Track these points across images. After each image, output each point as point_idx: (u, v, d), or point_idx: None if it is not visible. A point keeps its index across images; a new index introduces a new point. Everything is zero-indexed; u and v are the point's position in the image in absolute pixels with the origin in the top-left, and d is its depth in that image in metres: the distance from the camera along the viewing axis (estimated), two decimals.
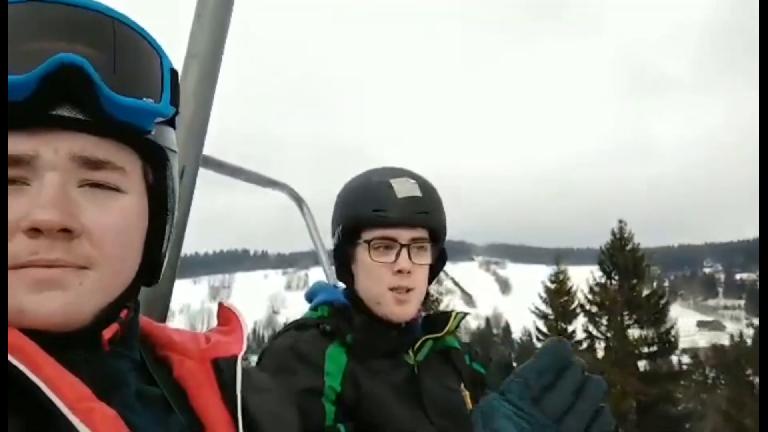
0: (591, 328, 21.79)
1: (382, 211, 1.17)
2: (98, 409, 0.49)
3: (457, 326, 1.29)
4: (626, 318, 20.77)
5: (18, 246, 0.50)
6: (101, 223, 0.53)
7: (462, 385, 1.29)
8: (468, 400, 1.27)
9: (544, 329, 24.61)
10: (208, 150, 1.17)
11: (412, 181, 1.22)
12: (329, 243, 1.34)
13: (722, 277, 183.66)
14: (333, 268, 1.32)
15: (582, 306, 22.65)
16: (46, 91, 0.50)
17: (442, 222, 1.25)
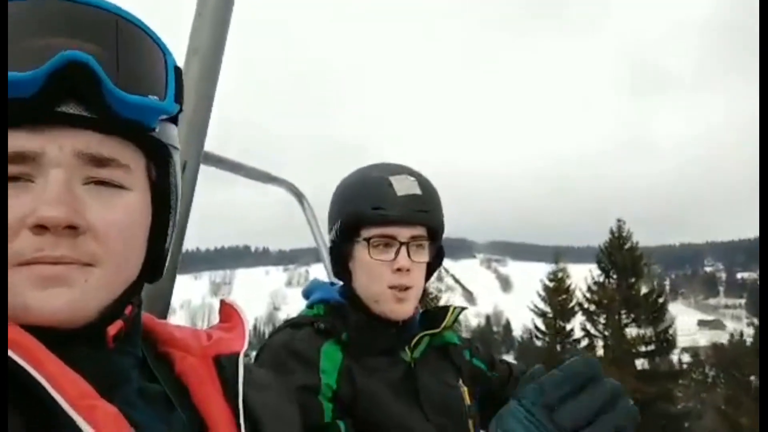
0: (589, 326, 21.80)
1: (381, 209, 1.16)
2: (100, 406, 0.49)
3: (455, 321, 1.28)
4: (624, 317, 20.78)
5: (23, 243, 0.50)
6: (106, 220, 0.54)
7: (460, 381, 1.29)
8: (466, 396, 1.26)
9: (543, 327, 24.65)
10: (208, 146, 1.17)
11: (412, 178, 1.21)
12: (329, 239, 1.33)
13: (723, 276, 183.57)
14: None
15: (580, 304, 22.66)
16: (52, 88, 0.50)
17: (440, 220, 1.24)
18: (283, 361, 1.09)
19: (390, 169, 1.23)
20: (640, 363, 20.89)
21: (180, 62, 0.61)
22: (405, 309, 1.20)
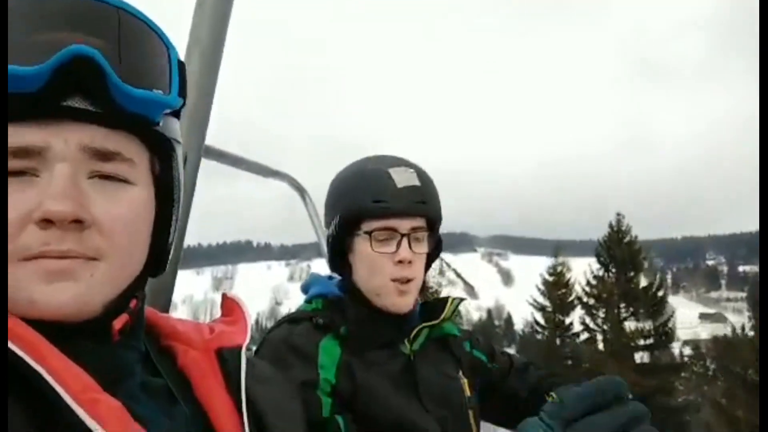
0: (588, 320, 21.83)
1: (382, 201, 1.15)
2: (103, 399, 0.50)
3: (454, 312, 1.28)
4: (623, 310, 20.81)
5: (29, 237, 0.50)
6: (111, 214, 0.54)
7: (460, 373, 1.29)
8: (466, 388, 1.27)
9: (542, 321, 24.72)
10: (209, 141, 1.17)
11: (410, 170, 1.21)
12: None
13: (725, 269, 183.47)
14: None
15: (579, 298, 22.69)
16: (58, 82, 0.50)
17: (439, 210, 1.24)
18: (282, 356, 1.09)
19: (387, 161, 1.22)
20: (639, 356, 20.93)
21: (181, 56, 0.62)
22: (407, 302, 1.20)
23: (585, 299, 22.04)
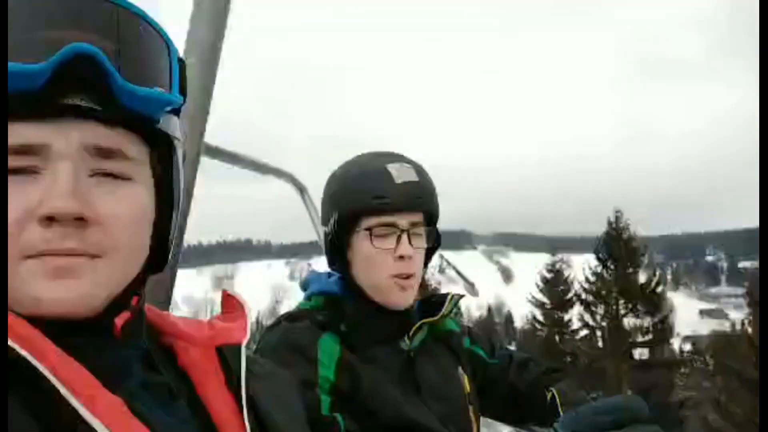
0: (587, 317, 21.85)
1: (382, 197, 1.15)
2: (103, 396, 0.50)
3: (453, 309, 1.28)
4: (622, 307, 20.82)
5: (31, 235, 0.50)
6: (113, 212, 0.54)
7: (460, 369, 1.29)
8: (466, 383, 1.27)
9: (541, 318, 24.75)
10: (207, 139, 1.17)
11: (408, 165, 1.21)
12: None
13: (725, 265, 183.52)
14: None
15: (578, 295, 22.71)
16: (59, 80, 0.50)
17: (437, 205, 1.24)
18: (281, 354, 1.08)
19: (385, 157, 1.22)
20: (638, 353, 20.95)
21: (180, 53, 0.62)
22: (408, 297, 1.20)
23: (583, 296, 22.07)
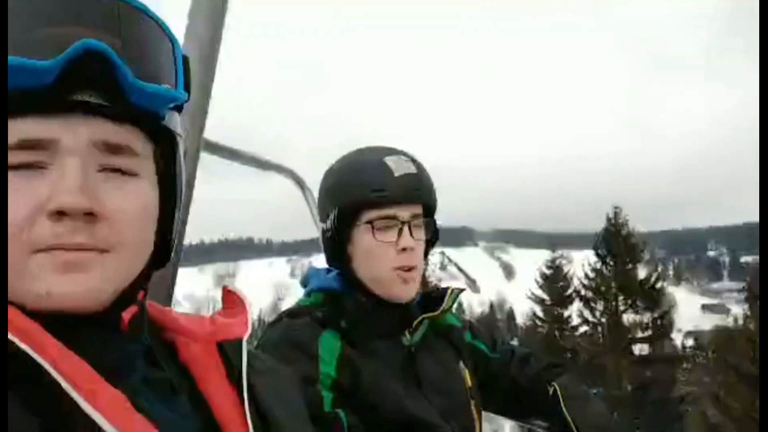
0: (586, 313, 21.85)
1: (382, 190, 1.16)
2: (105, 391, 0.50)
3: (454, 303, 1.28)
4: (621, 303, 20.82)
5: (42, 229, 0.51)
6: (121, 207, 0.54)
7: (461, 363, 1.29)
8: (467, 378, 1.27)
9: (541, 315, 24.77)
10: (207, 135, 1.17)
11: (405, 158, 1.21)
12: None
13: (726, 260, 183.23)
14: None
15: (577, 291, 22.71)
16: (69, 76, 0.50)
17: (435, 197, 1.25)
18: (282, 351, 1.08)
19: (382, 151, 1.23)
20: (638, 348, 20.96)
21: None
22: (411, 289, 1.20)
23: (583, 292, 22.07)
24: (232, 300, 0.75)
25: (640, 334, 20.67)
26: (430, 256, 1.36)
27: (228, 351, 0.66)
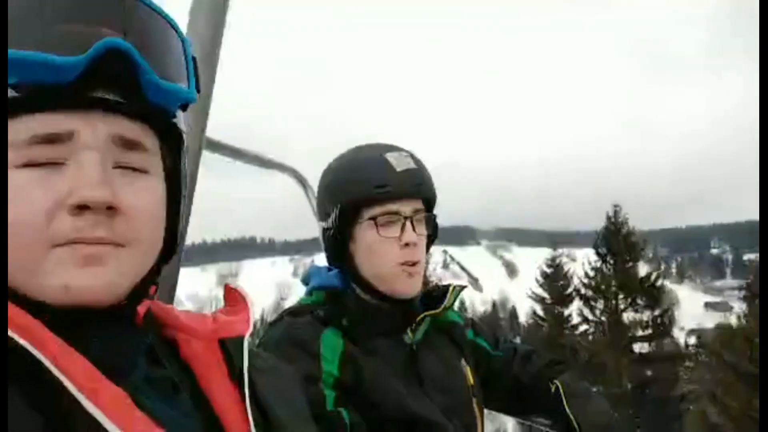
0: (586, 312, 21.82)
1: (384, 186, 1.16)
2: (107, 388, 0.49)
3: (455, 300, 1.28)
4: (621, 302, 20.79)
5: (62, 224, 0.51)
6: (135, 203, 0.55)
7: (463, 361, 1.29)
8: (469, 375, 1.27)
9: (542, 313, 24.76)
10: (208, 134, 1.17)
11: (405, 153, 1.22)
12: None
13: (730, 257, 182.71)
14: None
15: (577, 290, 22.69)
16: (92, 73, 0.51)
17: (434, 191, 1.26)
18: (284, 349, 1.08)
19: (381, 147, 1.23)
20: (640, 347, 20.92)
21: None
22: (415, 284, 1.21)
23: (583, 291, 22.05)
24: (234, 298, 0.75)
25: (640, 333, 20.62)
26: (431, 255, 1.36)
27: (230, 348, 0.66)
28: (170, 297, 1.07)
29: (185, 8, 1.10)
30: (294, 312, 1.20)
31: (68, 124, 0.52)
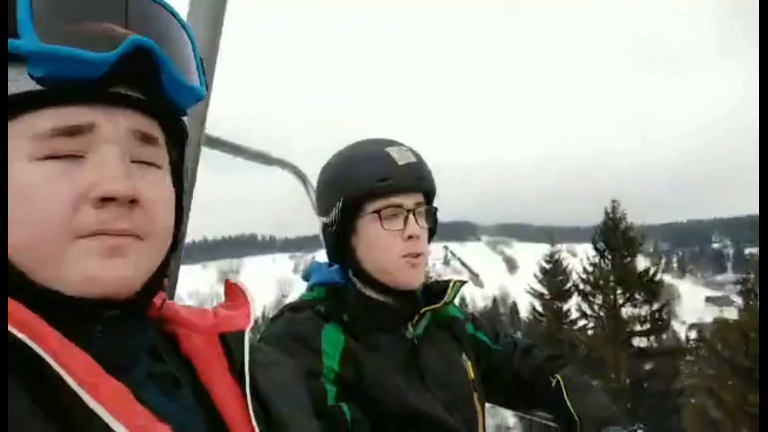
0: (585, 307, 21.84)
1: (387, 179, 1.17)
2: (107, 383, 0.49)
3: (455, 295, 1.29)
4: (619, 297, 20.80)
5: (85, 216, 0.52)
6: (151, 197, 0.56)
7: (464, 355, 1.30)
8: (470, 370, 1.28)
9: (540, 309, 24.79)
10: (208, 131, 1.17)
11: (405, 147, 1.23)
12: None
13: (731, 252, 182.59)
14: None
15: (576, 285, 22.70)
16: (118, 69, 0.52)
17: (434, 184, 1.27)
18: (284, 344, 1.08)
19: (381, 142, 1.24)
20: (639, 341, 20.95)
21: None
22: (419, 275, 1.21)
23: (581, 286, 22.06)
24: (234, 293, 0.75)
25: (638, 328, 20.64)
26: (431, 251, 1.37)
27: (230, 343, 0.66)
28: (171, 294, 1.07)
29: (184, 7, 1.10)
30: (295, 307, 1.21)
31: (90, 117, 0.53)
